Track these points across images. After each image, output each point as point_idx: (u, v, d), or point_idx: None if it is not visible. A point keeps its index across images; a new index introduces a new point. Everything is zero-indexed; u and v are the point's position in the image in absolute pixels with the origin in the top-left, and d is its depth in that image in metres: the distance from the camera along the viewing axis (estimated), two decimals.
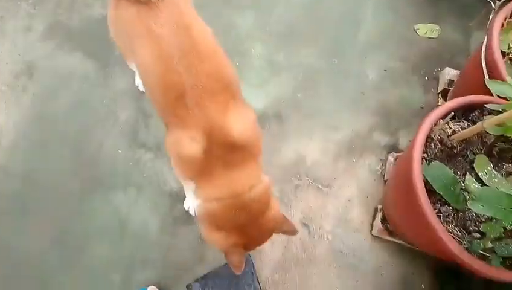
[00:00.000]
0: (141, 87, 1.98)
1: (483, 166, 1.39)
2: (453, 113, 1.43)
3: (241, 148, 1.18)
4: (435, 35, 2.37)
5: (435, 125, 1.46)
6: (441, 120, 1.47)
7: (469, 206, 1.12)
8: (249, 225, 1.21)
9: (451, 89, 2.13)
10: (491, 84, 1.39)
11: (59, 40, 2.09)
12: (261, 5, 2.32)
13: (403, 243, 1.75)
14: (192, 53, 1.16)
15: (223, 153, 1.16)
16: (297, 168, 1.93)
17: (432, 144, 1.44)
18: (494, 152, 1.43)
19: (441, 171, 1.35)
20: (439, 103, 2.17)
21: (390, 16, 2.37)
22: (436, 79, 2.24)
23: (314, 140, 2.00)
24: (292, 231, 1.31)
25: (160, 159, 1.88)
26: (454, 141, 1.42)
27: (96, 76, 2.03)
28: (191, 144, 1.14)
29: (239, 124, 1.16)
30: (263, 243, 1.31)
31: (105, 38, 2.07)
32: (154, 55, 1.18)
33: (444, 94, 2.17)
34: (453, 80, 2.15)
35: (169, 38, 1.16)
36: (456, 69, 2.18)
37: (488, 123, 1.29)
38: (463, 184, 1.36)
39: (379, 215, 1.80)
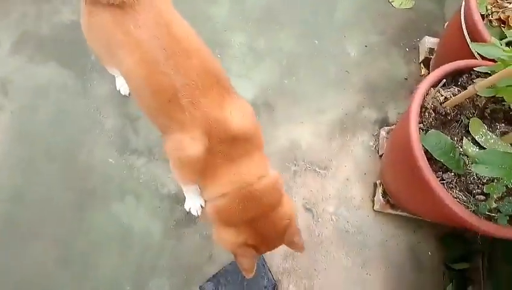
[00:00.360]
0: (123, 91, 1.93)
1: (478, 129, 1.41)
2: (444, 80, 1.44)
3: (243, 140, 1.15)
4: (409, 5, 2.39)
5: (427, 95, 1.47)
6: (432, 89, 1.48)
7: (473, 169, 1.14)
8: (260, 220, 1.17)
9: (433, 57, 2.16)
10: (476, 47, 1.40)
11: (30, 51, 2.00)
12: None
13: (406, 214, 1.78)
14: (178, 52, 1.13)
15: (226, 147, 1.13)
16: (293, 153, 1.92)
17: (426, 113, 1.44)
18: (486, 114, 1.45)
19: (438, 138, 1.36)
20: (422, 72, 2.19)
21: None
22: (416, 49, 2.26)
23: (306, 124, 1.99)
24: (300, 247, 1.21)
25: (155, 162, 1.83)
26: (447, 107, 1.44)
27: (75, 85, 1.95)
28: (192, 144, 1.11)
29: (237, 115, 1.14)
30: (275, 246, 1.24)
31: (79, 45, 2.02)
32: (138, 60, 1.14)
33: (426, 63, 2.19)
34: (433, 48, 2.17)
35: (151, 41, 1.13)
36: (434, 37, 2.20)
37: (480, 86, 1.30)
38: (461, 149, 1.38)
39: (379, 190, 1.82)
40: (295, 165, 1.90)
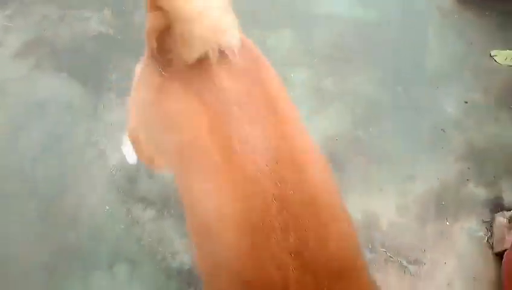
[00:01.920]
0: (130, 160, 1.31)
1: None
2: None
3: None
4: None
5: None
6: None
7: None
8: None
9: None
10: None
11: (40, 58, 1.60)
12: (297, 24, 1.86)
13: None
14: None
15: None
16: (369, 234, 1.32)
17: None
18: None
19: None
20: None
21: (458, 41, 1.90)
22: None
23: (387, 194, 1.41)
24: None
25: (168, 220, 1.27)
26: None
27: (84, 104, 1.50)
28: None
29: None
30: None
31: (100, 60, 1.62)
32: (232, 192, 0.61)
33: None
34: None
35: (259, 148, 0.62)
36: None
37: None
38: None
39: None
40: (371, 252, 1.28)
